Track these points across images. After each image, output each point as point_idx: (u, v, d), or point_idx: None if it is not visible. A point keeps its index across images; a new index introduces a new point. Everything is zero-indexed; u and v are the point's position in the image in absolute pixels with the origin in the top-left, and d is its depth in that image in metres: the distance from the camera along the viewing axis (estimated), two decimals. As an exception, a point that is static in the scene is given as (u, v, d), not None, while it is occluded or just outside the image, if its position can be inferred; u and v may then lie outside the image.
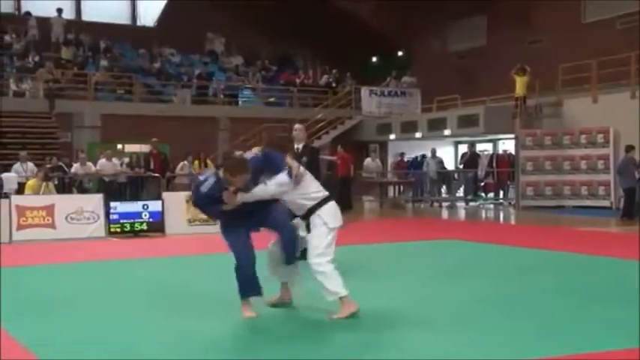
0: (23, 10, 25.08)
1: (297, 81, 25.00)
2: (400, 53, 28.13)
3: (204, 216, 11.78)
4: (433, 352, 4.21)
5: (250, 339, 4.75)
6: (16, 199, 11.39)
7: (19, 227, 10.90)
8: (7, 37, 22.94)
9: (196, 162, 17.56)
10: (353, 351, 4.30)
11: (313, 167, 8.21)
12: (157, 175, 16.12)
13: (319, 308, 5.22)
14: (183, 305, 5.65)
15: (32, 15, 24.07)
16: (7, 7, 25.11)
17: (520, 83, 18.32)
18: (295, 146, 8.04)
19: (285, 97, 24.27)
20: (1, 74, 20.77)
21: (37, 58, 21.84)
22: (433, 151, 19.88)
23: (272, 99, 24.12)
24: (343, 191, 17.09)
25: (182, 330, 4.83)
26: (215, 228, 11.13)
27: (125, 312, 5.44)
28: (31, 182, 12.55)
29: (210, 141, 21.09)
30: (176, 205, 11.96)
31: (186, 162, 17.18)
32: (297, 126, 8.16)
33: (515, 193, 18.09)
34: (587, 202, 16.50)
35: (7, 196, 12.25)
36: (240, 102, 23.59)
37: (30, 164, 15.48)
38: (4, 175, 14.56)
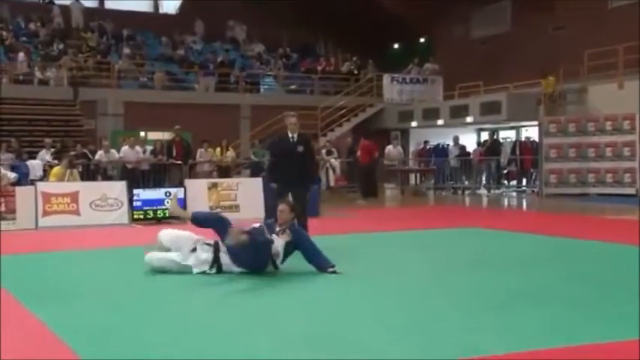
0: (47, -2, 25.35)
1: (319, 68, 24.95)
2: (422, 40, 27.93)
3: (226, 203, 12.09)
4: (434, 346, 4.14)
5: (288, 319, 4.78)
6: (41, 186, 11.52)
7: (45, 214, 11.04)
8: (31, 26, 23.18)
9: (218, 149, 17.68)
10: (363, 343, 4.29)
11: (308, 156, 8.36)
12: (179, 162, 16.26)
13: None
14: (205, 292, 5.70)
15: (55, 3, 24.30)
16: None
17: (548, 81, 18.30)
18: (290, 136, 8.26)
19: (307, 85, 24.25)
20: (28, 62, 21.02)
21: (61, 46, 22.04)
22: (456, 139, 19.74)
23: (293, 86, 24.12)
24: (368, 179, 17.06)
25: (205, 315, 4.89)
26: (236, 215, 11.31)
27: (149, 299, 5.50)
28: (55, 169, 12.69)
29: (233, 128, 21.19)
30: (198, 192, 12.07)
31: (202, 149, 17.29)
32: (292, 120, 8.26)
33: (538, 181, 17.92)
34: (612, 190, 16.26)
35: (32, 182, 12.43)
36: (261, 89, 23.63)
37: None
38: (30, 162, 14.79)
